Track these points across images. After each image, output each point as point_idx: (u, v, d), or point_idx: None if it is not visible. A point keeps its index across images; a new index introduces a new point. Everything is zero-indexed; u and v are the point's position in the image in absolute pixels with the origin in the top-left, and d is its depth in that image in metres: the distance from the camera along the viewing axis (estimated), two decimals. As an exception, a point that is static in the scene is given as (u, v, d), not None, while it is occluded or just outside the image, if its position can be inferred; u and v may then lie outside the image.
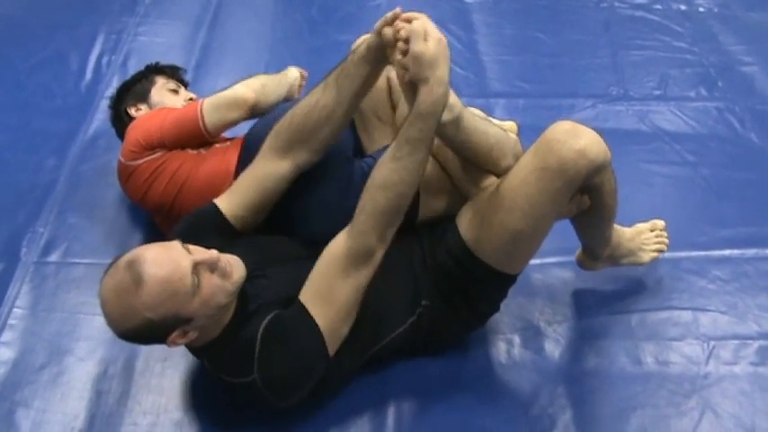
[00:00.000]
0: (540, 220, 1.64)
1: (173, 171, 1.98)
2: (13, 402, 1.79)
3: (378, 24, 1.57)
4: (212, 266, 1.48)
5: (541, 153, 1.60)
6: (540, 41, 3.07)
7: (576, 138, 1.58)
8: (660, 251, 2.07)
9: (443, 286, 1.75)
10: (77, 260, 2.14)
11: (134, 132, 2.02)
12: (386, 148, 1.89)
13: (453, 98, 1.64)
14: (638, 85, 2.83)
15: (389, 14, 1.54)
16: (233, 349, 1.55)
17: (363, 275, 1.58)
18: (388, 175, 1.54)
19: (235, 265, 1.54)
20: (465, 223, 1.74)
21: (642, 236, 2.06)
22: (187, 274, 1.43)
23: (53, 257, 2.15)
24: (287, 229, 1.83)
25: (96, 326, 1.94)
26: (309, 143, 1.73)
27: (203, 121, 1.98)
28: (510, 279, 1.78)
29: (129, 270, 1.43)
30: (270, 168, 1.74)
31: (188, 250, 1.48)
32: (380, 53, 1.61)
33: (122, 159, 2.03)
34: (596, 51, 3.02)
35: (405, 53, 1.50)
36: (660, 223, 2.09)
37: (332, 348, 1.58)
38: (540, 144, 1.61)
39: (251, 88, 2.02)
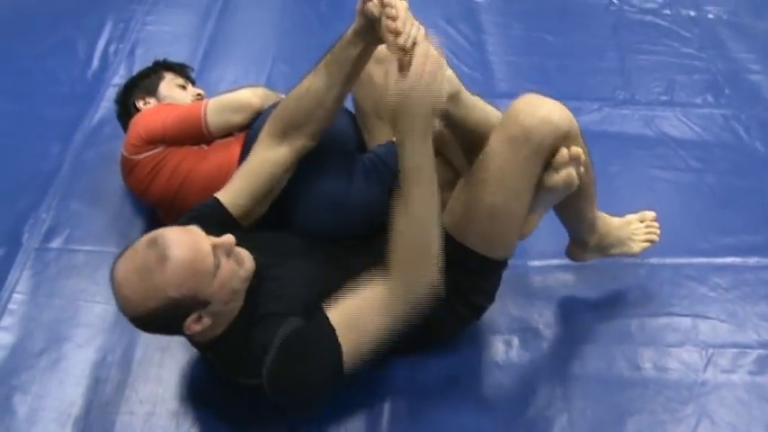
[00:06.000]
0: (512, 193, 1.63)
1: (174, 166, 1.98)
2: (11, 387, 1.79)
3: (358, 6, 1.59)
4: (229, 251, 1.51)
5: (507, 124, 1.61)
6: (548, 43, 3.07)
7: (538, 106, 1.61)
8: (651, 241, 2.03)
9: None
10: (79, 247, 2.14)
11: (136, 126, 2.03)
12: (387, 143, 1.90)
13: (450, 73, 1.63)
14: (644, 90, 2.83)
15: None
16: (243, 349, 1.53)
17: (399, 310, 1.54)
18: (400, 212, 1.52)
19: (246, 256, 1.56)
20: (445, 210, 1.71)
21: (631, 226, 2.04)
22: (209, 254, 1.46)
23: (55, 244, 2.15)
24: (287, 223, 1.83)
25: (96, 313, 1.95)
26: (304, 128, 1.74)
27: (206, 121, 1.99)
28: (497, 266, 1.75)
29: (152, 249, 1.44)
30: (268, 154, 1.75)
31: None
32: (366, 36, 1.62)
33: (125, 153, 2.04)
34: (604, 54, 3.02)
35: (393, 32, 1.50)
36: (650, 214, 2.06)
37: (349, 370, 1.54)
38: (506, 116, 1.63)
39: (256, 94, 2.03)
